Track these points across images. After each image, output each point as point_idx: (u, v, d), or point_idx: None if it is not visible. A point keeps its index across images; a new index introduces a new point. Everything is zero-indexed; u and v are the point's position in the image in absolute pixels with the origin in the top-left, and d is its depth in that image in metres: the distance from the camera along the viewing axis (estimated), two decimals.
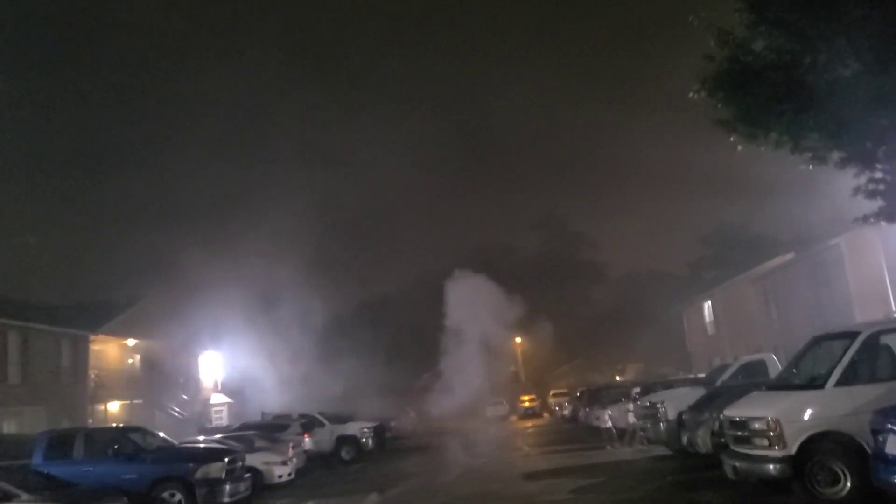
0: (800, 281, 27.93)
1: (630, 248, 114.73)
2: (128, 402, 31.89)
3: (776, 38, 10.56)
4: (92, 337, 29.20)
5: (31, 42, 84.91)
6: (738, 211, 65.82)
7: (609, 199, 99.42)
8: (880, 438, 6.76)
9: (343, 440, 22.62)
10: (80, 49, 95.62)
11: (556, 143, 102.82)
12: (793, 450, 7.81)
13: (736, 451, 8.72)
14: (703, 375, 19.52)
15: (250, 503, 14.04)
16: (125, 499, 11.02)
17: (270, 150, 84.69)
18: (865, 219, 11.82)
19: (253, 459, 15.18)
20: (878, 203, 11.35)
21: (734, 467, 8.65)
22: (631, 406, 18.17)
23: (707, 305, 37.76)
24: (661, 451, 15.05)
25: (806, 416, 7.93)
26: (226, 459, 13.29)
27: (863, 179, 11.24)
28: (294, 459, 17.07)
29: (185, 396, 35.23)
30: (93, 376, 29.49)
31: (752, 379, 12.97)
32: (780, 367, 13.28)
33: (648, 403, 15.85)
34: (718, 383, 14.16)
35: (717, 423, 10.75)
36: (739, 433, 8.59)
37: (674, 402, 14.29)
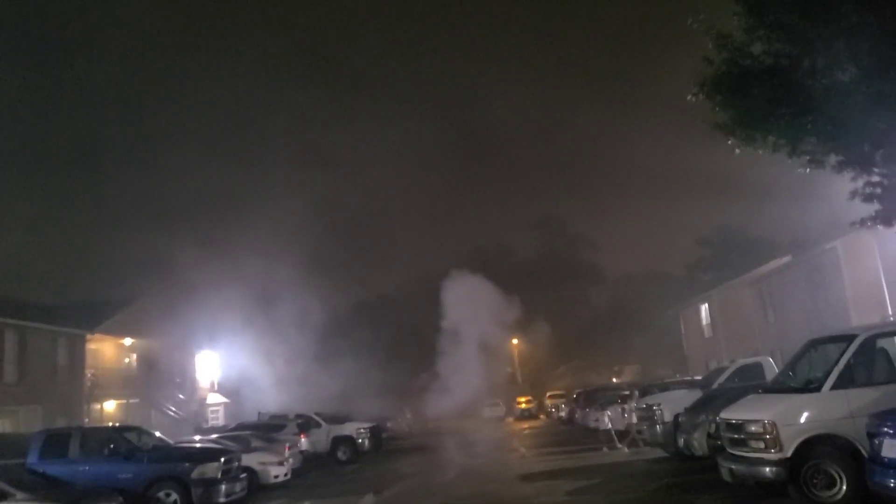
0: (797, 284, 27.98)
1: (628, 249, 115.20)
2: (124, 401, 31.84)
3: (774, 41, 10.60)
4: (88, 336, 29.15)
5: (30, 42, 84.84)
6: (736, 213, 66.10)
7: (608, 200, 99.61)
8: (876, 442, 6.77)
9: (339, 440, 22.60)
10: (79, 49, 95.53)
11: (556, 144, 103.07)
12: (789, 453, 7.82)
13: (732, 454, 8.72)
14: (699, 378, 19.50)
15: (246, 503, 14.03)
16: (121, 498, 11.00)
17: (269, 149, 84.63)
18: (862, 222, 11.86)
19: (249, 459, 15.15)
20: (875, 207, 11.40)
21: (730, 470, 8.65)
22: (633, 406, 18.15)
23: (704, 308, 37.81)
24: (657, 453, 15.06)
25: (802, 419, 7.93)
26: (222, 459, 13.26)
27: (860, 183, 11.29)
28: (290, 460, 17.04)
29: (181, 396, 35.20)
30: (89, 375, 29.42)
31: (749, 381, 12.96)
32: (777, 370, 13.28)
33: (645, 405, 15.86)
34: (715, 386, 14.15)
35: (713, 426, 10.76)
36: (736, 436, 8.59)
37: (670, 405, 14.28)
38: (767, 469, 8.00)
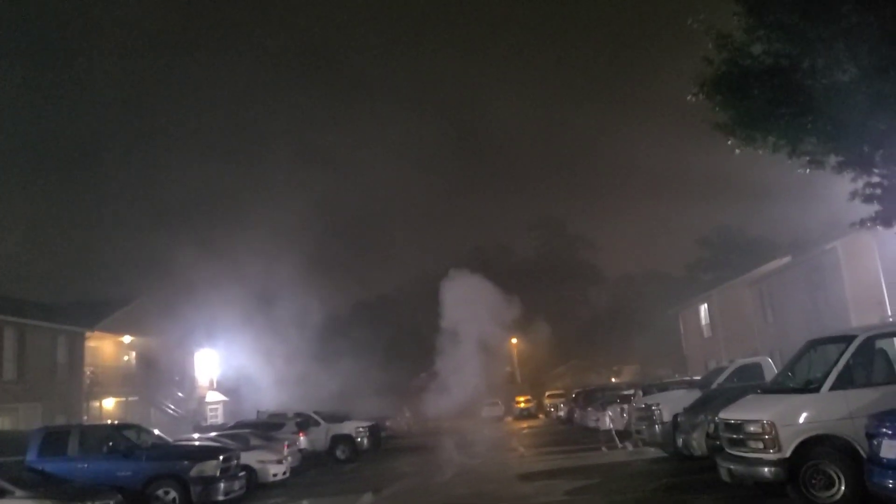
0: (796, 284, 27.98)
1: (628, 249, 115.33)
2: (123, 399, 31.84)
3: (774, 41, 10.60)
4: (88, 334, 29.15)
5: (30, 41, 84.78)
6: (736, 213, 66.30)
7: (607, 200, 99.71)
8: (875, 442, 6.78)
9: (338, 439, 22.60)
10: (79, 48, 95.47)
11: (555, 145, 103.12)
12: (787, 453, 7.82)
13: (731, 454, 8.72)
14: (698, 378, 19.50)
15: (244, 501, 14.03)
16: (119, 496, 11.02)
17: (269, 149, 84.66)
18: (862, 223, 11.86)
19: (248, 458, 15.16)
20: (874, 207, 11.40)
21: (729, 470, 8.65)
22: (634, 405, 18.14)
23: (703, 308, 37.80)
24: (656, 453, 15.06)
25: (801, 420, 7.93)
26: (221, 457, 13.27)
27: (860, 183, 11.29)
28: (289, 458, 17.06)
29: (180, 394, 35.20)
30: (88, 373, 29.44)
31: (748, 382, 12.95)
32: (776, 371, 13.28)
33: (644, 405, 15.85)
34: (714, 386, 14.15)
35: (712, 426, 10.75)
36: (734, 436, 8.59)
37: (669, 405, 14.27)
38: (766, 469, 7.99)
